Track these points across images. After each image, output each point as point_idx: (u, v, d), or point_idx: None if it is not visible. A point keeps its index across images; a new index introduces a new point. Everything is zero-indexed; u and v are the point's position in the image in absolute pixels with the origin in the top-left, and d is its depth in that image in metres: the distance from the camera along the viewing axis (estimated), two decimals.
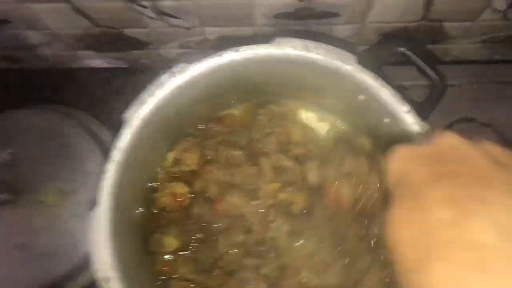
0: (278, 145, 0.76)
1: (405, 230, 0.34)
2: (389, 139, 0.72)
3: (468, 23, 0.82)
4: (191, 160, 0.77)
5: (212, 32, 0.84)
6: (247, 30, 0.83)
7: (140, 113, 0.65)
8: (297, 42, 0.67)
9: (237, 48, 0.67)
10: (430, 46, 0.91)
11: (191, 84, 0.68)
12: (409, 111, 0.63)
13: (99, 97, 0.94)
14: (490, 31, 0.85)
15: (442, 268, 0.30)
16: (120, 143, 0.65)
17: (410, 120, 0.64)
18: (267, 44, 0.67)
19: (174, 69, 0.67)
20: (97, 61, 0.95)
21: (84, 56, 0.93)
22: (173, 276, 0.73)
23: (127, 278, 0.64)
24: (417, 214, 0.33)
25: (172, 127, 0.75)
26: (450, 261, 0.30)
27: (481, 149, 0.36)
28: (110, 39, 0.85)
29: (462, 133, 0.41)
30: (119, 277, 0.62)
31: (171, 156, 0.79)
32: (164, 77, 0.67)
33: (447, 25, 0.83)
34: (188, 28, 0.82)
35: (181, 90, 0.67)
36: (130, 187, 0.69)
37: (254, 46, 0.67)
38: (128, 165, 0.66)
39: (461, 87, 0.88)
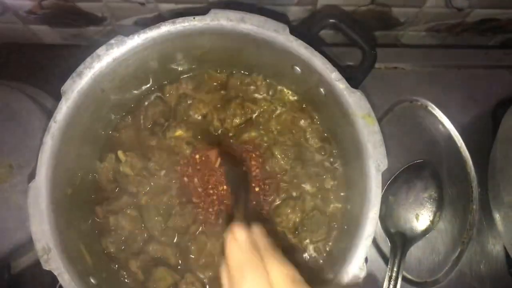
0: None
1: None
2: (327, 110, 0.74)
3: (416, 9, 0.84)
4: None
5: (166, 8, 0.84)
6: (202, 7, 0.83)
7: (76, 86, 0.66)
8: (232, 13, 0.68)
9: (174, 20, 0.68)
10: (380, 33, 0.94)
11: (129, 56, 0.69)
12: (339, 79, 0.65)
13: (55, 74, 0.92)
14: (436, 18, 0.88)
15: None
16: (57, 115, 0.65)
17: (341, 86, 0.65)
18: (203, 16, 0.68)
19: (112, 41, 0.67)
20: (52, 37, 0.94)
21: (38, 31, 0.92)
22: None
23: (67, 250, 0.65)
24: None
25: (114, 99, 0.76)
26: None
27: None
28: (64, 13, 0.85)
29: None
30: (59, 248, 0.63)
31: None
32: (101, 49, 0.67)
33: (395, 10, 0.85)
34: (142, 4, 0.82)
35: (118, 62, 0.68)
36: (71, 158, 0.70)
37: (190, 18, 0.68)
38: (67, 136, 0.67)
39: (406, 69, 0.92)
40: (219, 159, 0.76)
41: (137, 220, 0.75)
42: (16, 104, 0.81)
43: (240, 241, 0.56)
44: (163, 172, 0.77)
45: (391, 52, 0.92)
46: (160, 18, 0.84)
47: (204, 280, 0.74)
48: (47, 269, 0.62)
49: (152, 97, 0.81)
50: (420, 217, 0.81)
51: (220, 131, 0.80)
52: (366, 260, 0.63)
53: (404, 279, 0.80)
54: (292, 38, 0.67)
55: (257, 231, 0.59)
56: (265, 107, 0.80)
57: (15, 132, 0.79)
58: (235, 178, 0.74)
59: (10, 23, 0.88)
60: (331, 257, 0.73)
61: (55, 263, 0.62)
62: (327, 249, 0.75)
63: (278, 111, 0.80)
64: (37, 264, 0.63)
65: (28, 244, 0.73)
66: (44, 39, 0.95)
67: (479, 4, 0.82)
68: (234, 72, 0.82)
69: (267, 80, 0.81)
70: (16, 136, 0.79)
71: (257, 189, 0.77)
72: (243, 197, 0.68)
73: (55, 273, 0.62)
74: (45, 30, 0.91)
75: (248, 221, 0.60)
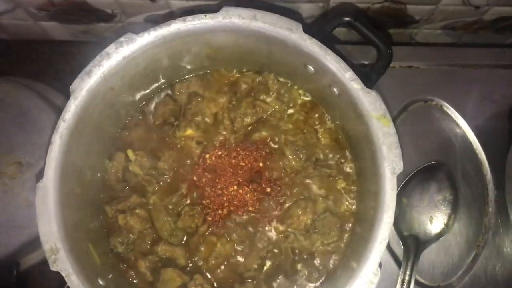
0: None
1: None
2: (341, 110, 0.73)
3: (431, 7, 0.83)
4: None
5: (177, 5, 0.82)
6: (213, 4, 0.82)
7: (85, 84, 0.65)
8: (244, 11, 0.67)
9: (184, 18, 0.67)
10: (394, 30, 0.92)
11: (139, 54, 0.67)
12: (354, 79, 0.63)
13: (64, 71, 0.92)
14: (451, 16, 0.86)
15: None
16: (66, 114, 0.64)
17: (356, 86, 0.64)
18: (214, 14, 0.67)
19: (121, 39, 0.66)
20: (62, 34, 0.94)
21: (48, 28, 0.91)
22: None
23: (75, 250, 0.64)
24: None
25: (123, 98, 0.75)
26: None
27: None
28: (74, 10, 0.84)
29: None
30: (67, 248, 0.63)
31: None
32: (110, 47, 0.66)
33: (410, 8, 0.83)
34: (153, 1, 0.81)
35: (128, 61, 0.67)
36: (80, 157, 0.69)
37: (201, 16, 0.67)
38: (75, 135, 0.66)
39: (420, 68, 0.90)
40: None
41: (146, 220, 0.74)
42: (26, 101, 0.81)
43: None
44: (172, 172, 0.76)
45: (406, 50, 0.90)
46: (171, 15, 0.84)
47: (213, 282, 0.73)
48: (55, 270, 0.62)
49: (162, 96, 0.80)
50: (434, 220, 0.79)
51: (230, 130, 0.78)
52: (380, 265, 0.61)
53: (417, 282, 0.79)
54: (305, 36, 0.65)
55: None
56: (277, 106, 0.79)
57: (25, 129, 0.79)
58: None
59: (21, 20, 0.87)
60: (343, 261, 0.72)
61: (62, 264, 0.62)
62: (339, 252, 0.74)
63: (289, 111, 0.79)
64: (45, 261, 0.63)
65: (37, 241, 0.71)
66: (54, 36, 0.94)
67: (497, 1, 0.80)
68: (245, 70, 0.81)
69: (279, 79, 0.80)
70: (25, 133, 0.79)
71: (268, 189, 0.75)
72: None
73: (63, 274, 0.62)
74: (54, 27, 0.91)
75: None
